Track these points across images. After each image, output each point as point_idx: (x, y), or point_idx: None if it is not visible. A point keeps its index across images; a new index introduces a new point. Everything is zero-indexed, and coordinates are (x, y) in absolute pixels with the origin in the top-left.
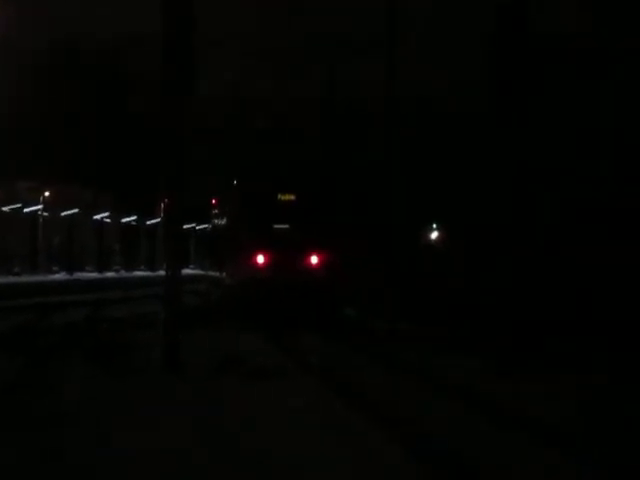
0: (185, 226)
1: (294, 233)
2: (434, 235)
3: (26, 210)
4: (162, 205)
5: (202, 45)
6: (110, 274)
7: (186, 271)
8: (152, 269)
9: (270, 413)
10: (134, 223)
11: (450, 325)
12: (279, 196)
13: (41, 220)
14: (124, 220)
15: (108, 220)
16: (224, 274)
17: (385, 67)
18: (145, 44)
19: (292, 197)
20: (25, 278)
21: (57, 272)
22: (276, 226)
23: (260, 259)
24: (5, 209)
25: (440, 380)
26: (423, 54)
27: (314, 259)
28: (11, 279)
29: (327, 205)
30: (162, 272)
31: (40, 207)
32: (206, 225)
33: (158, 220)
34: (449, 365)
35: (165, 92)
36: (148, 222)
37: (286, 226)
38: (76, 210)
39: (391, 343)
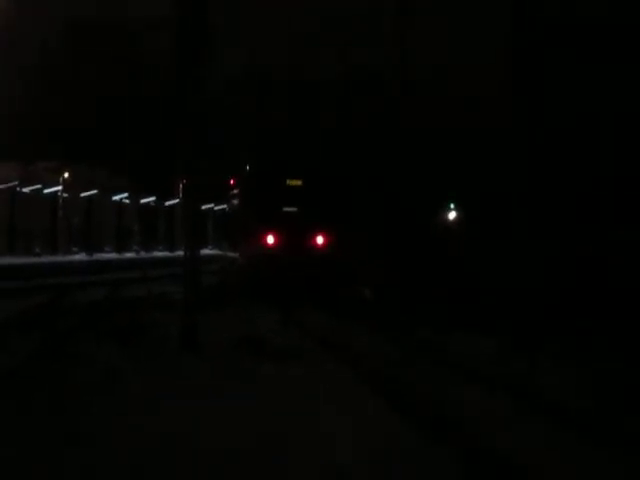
0: (203, 206)
1: (302, 215)
2: (452, 215)
3: (46, 191)
4: (180, 186)
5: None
6: (129, 254)
7: (205, 251)
8: (171, 249)
9: (287, 390)
10: (153, 204)
11: (466, 305)
12: (287, 181)
13: (61, 201)
14: (143, 201)
15: (127, 201)
16: (237, 254)
17: (396, 39)
18: (160, 27)
19: (299, 182)
20: (45, 259)
21: (77, 253)
22: (285, 209)
23: (270, 239)
24: (25, 190)
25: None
26: (438, 33)
27: (320, 239)
28: (32, 259)
29: (333, 189)
30: (181, 252)
31: (60, 188)
32: (224, 206)
33: (177, 201)
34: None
35: (179, 69)
36: (167, 203)
37: (294, 209)
38: (95, 191)
39: (407, 322)
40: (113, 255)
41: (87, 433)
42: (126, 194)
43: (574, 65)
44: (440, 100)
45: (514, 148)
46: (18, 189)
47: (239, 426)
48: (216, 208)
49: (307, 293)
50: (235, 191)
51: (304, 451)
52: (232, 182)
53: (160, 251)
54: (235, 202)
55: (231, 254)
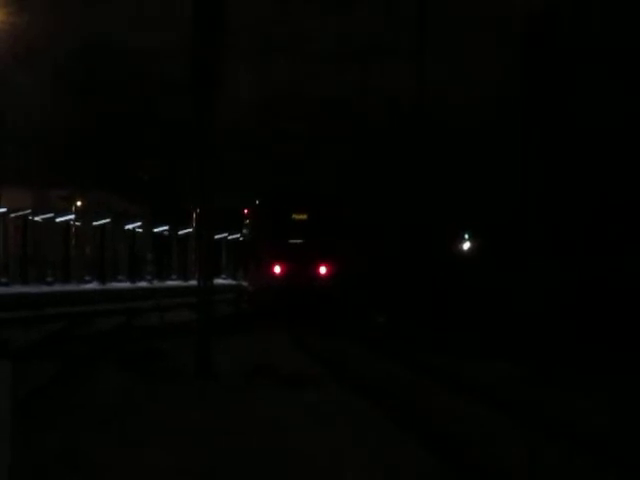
0: (217, 236)
1: (306, 247)
2: (466, 245)
3: (59, 219)
4: (194, 215)
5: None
6: (142, 284)
7: (218, 281)
8: (184, 279)
9: (298, 418)
10: (166, 233)
11: (481, 331)
12: (293, 215)
13: (73, 229)
14: (156, 230)
15: (140, 230)
16: (247, 283)
17: (417, 74)
18: (171, 51)
19: (304, 216)
20: (58, 287)
21: (89, 281)
22: (291, 241)
23: (277, 269)
24: (38, 219)
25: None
26: (450, 60)
27: (323, 269)
28: (44, 288)
29: (337, 222)
30: (194, 282)
31: (72, 217)
32: (238, 235)
33: (190, 230)
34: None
35: (195, 98)
36: (180, 232)
37: (300, 241)
38: (108, 220)
39: (421, 348)
40: (126, 284)
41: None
42: (139, 222)
43: (588, 90)
44: (454, 130)
45: (525, 174)
46: (30, 217)
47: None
48: (230, 237)
49: (315, 320)
50: (247, 221)
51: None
52: (246, 212)
53: (173, 280)
54: (246, 232)
55: (244, 283)
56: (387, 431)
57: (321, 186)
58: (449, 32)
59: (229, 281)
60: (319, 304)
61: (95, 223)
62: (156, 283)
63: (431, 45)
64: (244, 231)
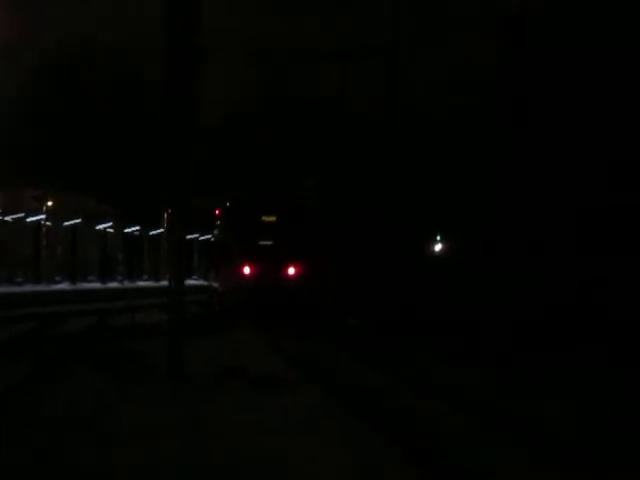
0: (188, 236)
1: (275, 248)
2: (438, 247)
3: (29, 219)
4: (165, 215)
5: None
6: (113, 284)
7: (189, 282)
8: (155, 279)
9: (271, 419)
10: (137, 233)
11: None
12: (263, 217)
13: (44, 230)
14: (127, 230)
15: (111, 230)
16: (217, 284)
17: (385, 72)
18: (145, 46)
19: (273, 218)
20: (28, 287)
21: (60, 282)
22: (260, 242)
23: (247, 270)
24: (8, 218)
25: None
26: (424, 59)
27: (292, 270)
28: (14, 288)
29: (306, 224)
30: (165, 282)
31: (43, 217)
32: (209, 236)
33: (161, 230)
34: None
35: (167, 93)
36: (151, 232)
37: (269, 242)
38: (79, 220)
39: (390, 351)
40: (97, 284)
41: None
42: (110, 223)
43: (564, 91)
44: (428, 129)
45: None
46: (1, 217)
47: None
48: (201, 238)
49: (284, 320)
50: (217, 222)
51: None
52: (217, 212)
53: (145, 280)
54: (217, 233)
55: (215, 284)
56: (359, 431)
57: (289, 188)
58: (427, 30)
59: (201, 282)
60: (288, 304)
61: (66, 223)
62: (127, 284)
63: (407, 43)
64: (215, 232)
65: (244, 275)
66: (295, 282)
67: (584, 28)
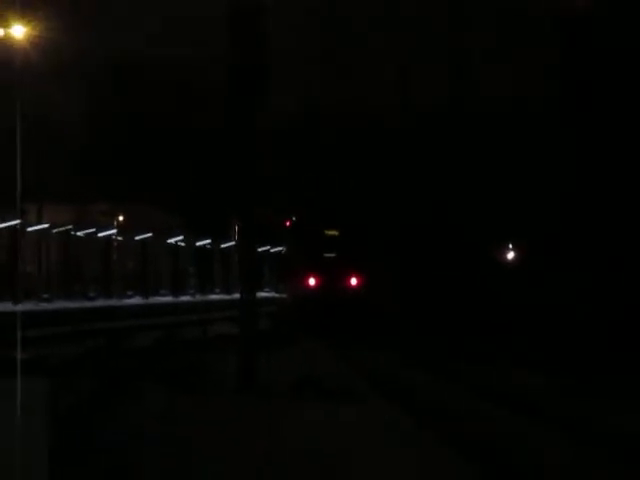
0: (260, 249)
1: (338, 260)
2: (510, 255)
3: (100, 234)
4: (236, 228)
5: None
6: (185, 298)
7: (261, 294)
8: (227, 292)
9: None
10: (208, 246)
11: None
12: (325, 231)
13: (115, 244)
14: (198, 243)
15: (182, 244)
16: (285, 294)
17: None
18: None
19: (336, 232)
20: (100, 302)
21: (132, 296)
22: (325, 254)
23: (312, 281)
24: (80, 233)
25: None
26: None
27: (354, 280)
28: (87, 303)
29: (365, 237)
30: (237, 295)
31: (114, 231)
32: (281, 248)
33: (232, 243)
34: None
35: (232, 106)
36: (222, 245)
37: (332, 254)
38: (150, 234)
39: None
40: (169, 298)
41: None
42: (181, 237)
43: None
44: (494, 135)
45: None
46: (72, 233)
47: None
48: (272, 250)
49: (348, 328)
50: (286, 236)
51: None
52: (287, 224)
53: (216, 294)
54: (285, 246)
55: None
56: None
57: (352, 201)
58: (488, 31)
59: (272, 294)
60: (351, 312)
61: (137, 238)
62: (199, 297)
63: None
64: (287, 244)
65: (309, 285)
66: (357, 291)
67: None
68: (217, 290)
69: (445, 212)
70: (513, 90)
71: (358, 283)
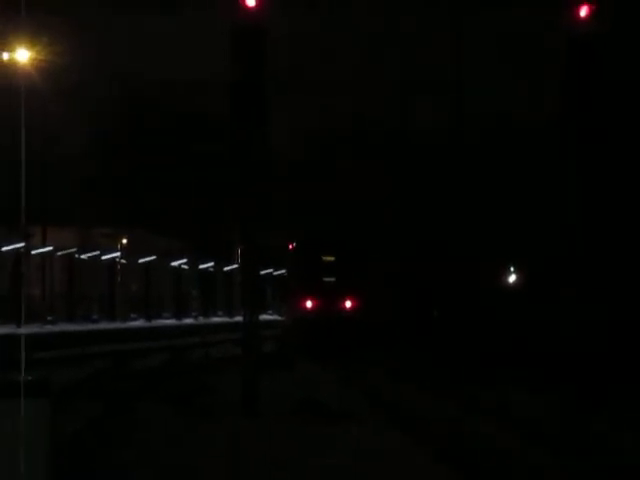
0: (262, 272)
1: (336, 284)
2: (512, 278)
3: (104, 257)
4: (239, 251)
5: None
6: (188, 320)
7: (264, 317)
8: (230, 315)
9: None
10: (211, 269)
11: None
12: (323, 258)
13: (119, 267)
14: (201, 266)
15: (185, 267)
16: (285, 316)
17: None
18: (207, 88)
19: (332, 258)
20: (103, 325)
21: (135, 319)
22: (323, 279)
23: (309, 303)
24: (84, 256)
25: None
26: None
27: (349, 303)
28: (90, 326)
29: (361, 264)
30: (240, 318)
31: (118, 254)
32: (283, 270)
33: (235, 266)
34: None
35: (236, 128)
36: (225, 268)
37: (330, 279)
38: (153, 257)
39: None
40: (172, 321)
41: None
42: (184, 260)
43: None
44: (495, 162)
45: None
46: (76, 255)
47: None
48: (275, 273)
49: (347, 350)
50: (288, 260)
51: None
52: (290, 247)
53: (219, 316)
54: (287, 270)
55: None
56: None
57: (350, 228)
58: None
59: (275, 317)
60: (346, 332)
61: (141, 260)
62: (202, 320)
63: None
64: (289, 267)
65: (307, 308)
66: (352, 313)
67: None
68: (220, 313)
69: (444, 237)
70: (515, 108)
71: (353, 305)
